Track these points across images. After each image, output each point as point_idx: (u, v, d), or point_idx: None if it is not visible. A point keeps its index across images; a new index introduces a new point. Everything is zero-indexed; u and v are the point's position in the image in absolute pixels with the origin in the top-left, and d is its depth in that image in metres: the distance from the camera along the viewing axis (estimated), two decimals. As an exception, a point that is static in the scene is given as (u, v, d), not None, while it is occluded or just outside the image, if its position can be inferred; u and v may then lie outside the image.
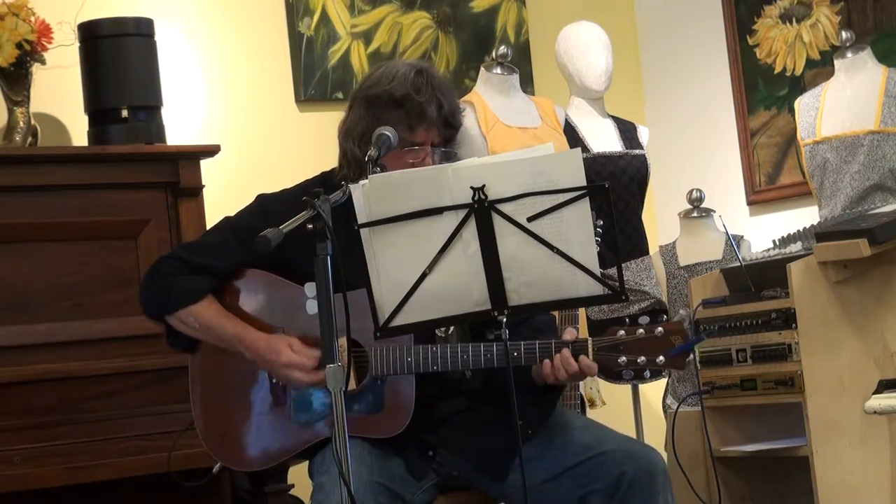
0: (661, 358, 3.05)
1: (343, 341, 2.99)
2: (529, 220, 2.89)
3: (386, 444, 3.19)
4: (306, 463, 3.33)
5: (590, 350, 3.08)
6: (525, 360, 3.11)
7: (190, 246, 3.43)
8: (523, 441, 3.14)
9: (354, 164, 3.29)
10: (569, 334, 3.14)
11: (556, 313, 3.72)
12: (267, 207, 3.32)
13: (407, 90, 3.23)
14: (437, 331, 3.23)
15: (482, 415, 3.25)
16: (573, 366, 3.07)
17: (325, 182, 3.27)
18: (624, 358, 3.06)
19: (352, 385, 3.18)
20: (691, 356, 4.23)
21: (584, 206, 2.89)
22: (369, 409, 3.19)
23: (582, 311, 4.60)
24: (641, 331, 3.07)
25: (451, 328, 3.26)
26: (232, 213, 3.43)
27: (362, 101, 3.29)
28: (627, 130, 5.07)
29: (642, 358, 3.06)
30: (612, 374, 3.12)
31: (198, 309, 3.27)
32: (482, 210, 2.89)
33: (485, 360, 3.12)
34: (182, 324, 3.30)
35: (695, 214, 4.98)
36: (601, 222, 3.78)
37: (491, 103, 4.84)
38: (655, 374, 3.19)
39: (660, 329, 3.06)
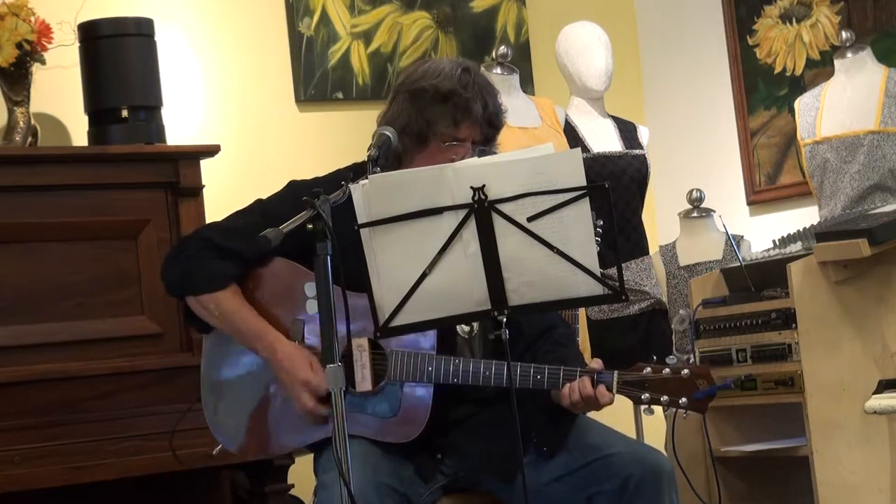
0: (685, 400, 3.08)
1: (363, 341, 2.99)
2: (529, 220, 2.89)
3: (394, 446, 3.18)
4: (307, 462, 3.33)
5: (614, 383, 3.10)
6: (548, 384, 3.12)
7: (219, 227, 3.36)
8: (535, 453, 3.15)
9: (392, 155, 3.27)
10: (596, 363, 3.15)
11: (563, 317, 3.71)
12: (298, 194, 3.29)
13: (454, 85, 3.23)
14: (459, 331, 3.24)
15: (492, 420, 3.25)
16: (588, 390, 3.09)
17: (358, 173, 3.25)
18: (647, 395, 3.09)
19: (369, 386, 3.16)
20: (694, 357, 4.24)
21: (584, 206, 2.89)
22: (384, 413, 3.18)
23: (582, 311, 4.60)
24: (668, 370, 3.09)
25: (476, 328, 3.26)
26: (232, 213, 3.41)
27: (406, 95, 3.28)
28: (627, 130, 5.07)
29: (665, 397, 3.08)
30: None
31: (221, 297, 3.25)
32: (482, 210, 2.89)
33: (507, 379, 3.12)
34: (202, 308, 3.27)
35: (695, 214, 4.98)
36: (601, 222, 3.78)
37: (491, 103, 4.83)
38: None
39: (686, 371, 3.08)
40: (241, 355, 3.29)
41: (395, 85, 3.37)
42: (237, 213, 3.38)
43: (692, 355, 4.42)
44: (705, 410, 3.13)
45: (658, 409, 3.15)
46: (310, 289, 3.19)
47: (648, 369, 3.10)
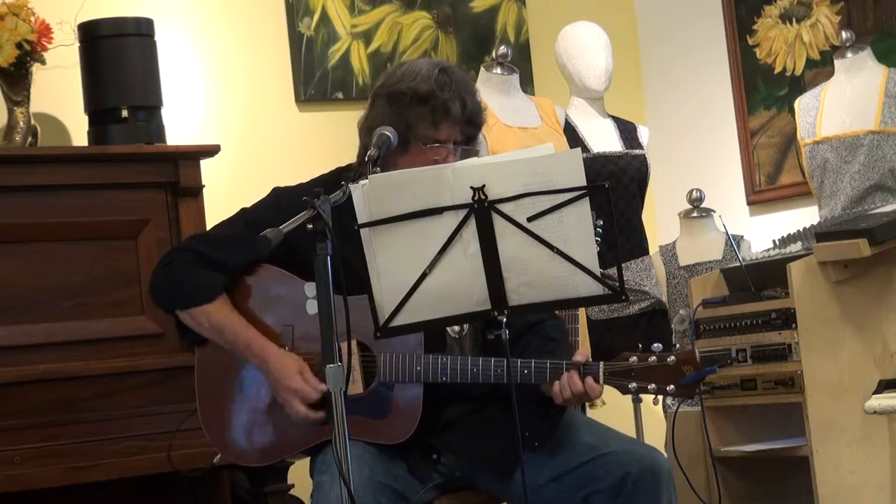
0: (672, 387, 3.07)
1: (352, 344, 2.99)
2: (529, 220, 2.89)
3: (389, 446, 3.18)
4: (307, 462, 3.33)
5: (600, 375, 3.10)
6: (535, 379, 3.12)
7: (204, 238, 3.40)
8: (527, 450, 3.15)
9: None
10: (580, 356, 3.15)
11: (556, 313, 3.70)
12: (281, 201, 3.30)
13: (431, 87, 3.22)
14: (449, 330, 3.24)
15: (486, 418, 3.25)
16: (578, 385, 3.09)
17: (341, 177, 3.25)
18: (634, 384, 3.09)
19: (359, 389, 3.17)
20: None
21: (584, 206, 2.90)
22: (376, 414, 3.18)
23: (582, 311, 4.60)
24: (653, 358, 3.08)
25: (465, 329, 3.26)
26: (230, 214, 3.42)
27: (385, 98, 3.27)
28: (627, 130, 5.07)
29: (652, 385, 3.08)
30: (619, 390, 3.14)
31: (210, 308, 3.25)
32: (482, 210, 2.89)
33: (494, 375, 3.12)
34: (192, 320, 3.27)
35: (695, 214, 4.98)
36: (601, 222, 3.78)
37: (491, 103, 4.83)
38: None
39: (672, 358, 3.07)
40: (233, 366, 3.29)
41: (374, 89, 3.36)
42: (222, 223, 3.40)
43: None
44: (693, 396, 3.13)
45: (658, 409, 3.15)
46: (310, 289, 3.19)
47: (634, 358, 3.09)
